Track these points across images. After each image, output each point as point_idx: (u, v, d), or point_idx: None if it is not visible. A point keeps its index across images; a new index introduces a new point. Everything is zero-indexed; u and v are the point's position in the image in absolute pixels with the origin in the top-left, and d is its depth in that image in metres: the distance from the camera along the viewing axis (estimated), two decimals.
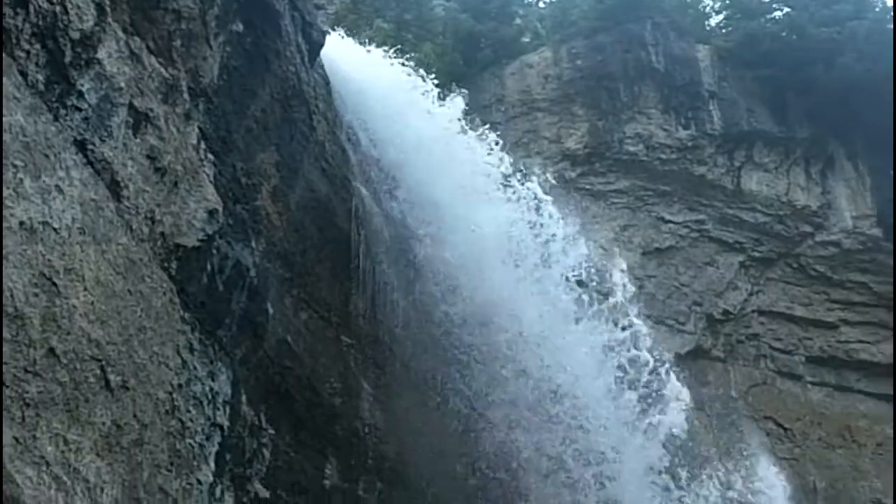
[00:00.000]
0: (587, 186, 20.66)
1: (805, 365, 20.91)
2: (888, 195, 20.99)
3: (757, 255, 21.25)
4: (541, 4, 29.21)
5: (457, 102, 17.37)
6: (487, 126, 17.08)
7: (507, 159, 17.10)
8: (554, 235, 17.02)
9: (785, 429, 20.01)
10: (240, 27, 10.79)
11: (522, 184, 17.21)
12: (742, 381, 20.30)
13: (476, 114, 17.73)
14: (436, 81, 17.17)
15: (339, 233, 12.94)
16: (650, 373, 16.86)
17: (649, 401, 16.67)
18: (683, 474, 16.42)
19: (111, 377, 7.91)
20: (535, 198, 17.16)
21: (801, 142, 21.42)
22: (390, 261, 13.99)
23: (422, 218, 15.04)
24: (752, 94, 21.59)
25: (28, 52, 7.35)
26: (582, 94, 21.18)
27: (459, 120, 17.11)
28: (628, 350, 16.88)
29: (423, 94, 16.75)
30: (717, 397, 18.51)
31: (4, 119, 6.95)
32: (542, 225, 17.07)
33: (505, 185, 16.85)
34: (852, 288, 21.28)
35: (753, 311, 21.02)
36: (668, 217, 20.91)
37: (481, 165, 16.77)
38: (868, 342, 21.03)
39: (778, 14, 24.80)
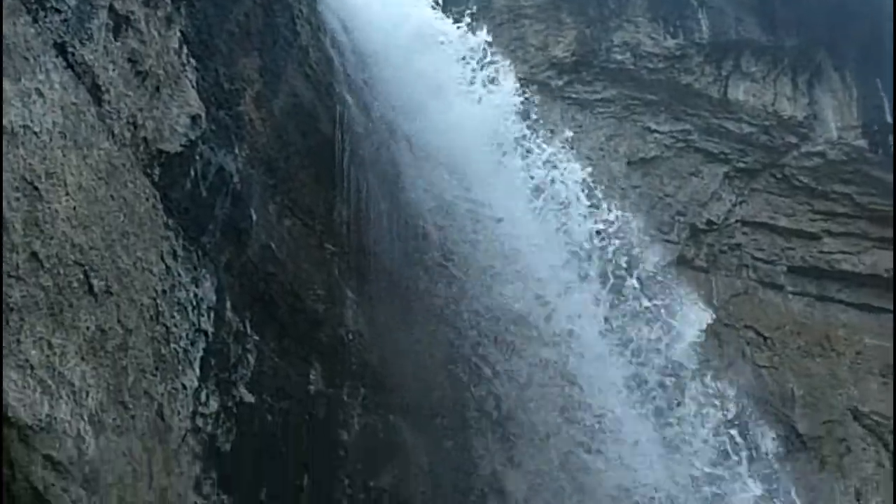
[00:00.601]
0: (573, 95, 20.49)
1: (786, 275, 21.04)
2: (874, 105, 20.97)
3: (742, 165, 21.21)
4: None
5: None
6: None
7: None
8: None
9: (765, 338, 20.21)
10: None
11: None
12: (724, 290, 20.42)
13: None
14: None
15: (323, 139, 12.88)
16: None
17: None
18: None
19: (94, 282, 7.93)
20: None
21: (789, 51, 21.26)
22: (375, 168, 13.94)
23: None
24: (740, 2, 21.36)
25: None
26: (569, 1, 20.89)
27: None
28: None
29: None
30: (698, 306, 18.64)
31: None
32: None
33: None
34: (836, 199, 21.32)
35: (737, 222, 21.06)
36: (653, 127, 20.80)
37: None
38: (850, 253, 21.14)
39: None
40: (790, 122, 20.94)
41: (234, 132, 10.73)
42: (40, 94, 7.46)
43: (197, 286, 9.75)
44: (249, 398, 10.59)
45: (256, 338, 10.93)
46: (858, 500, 19.10)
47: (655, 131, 20.81)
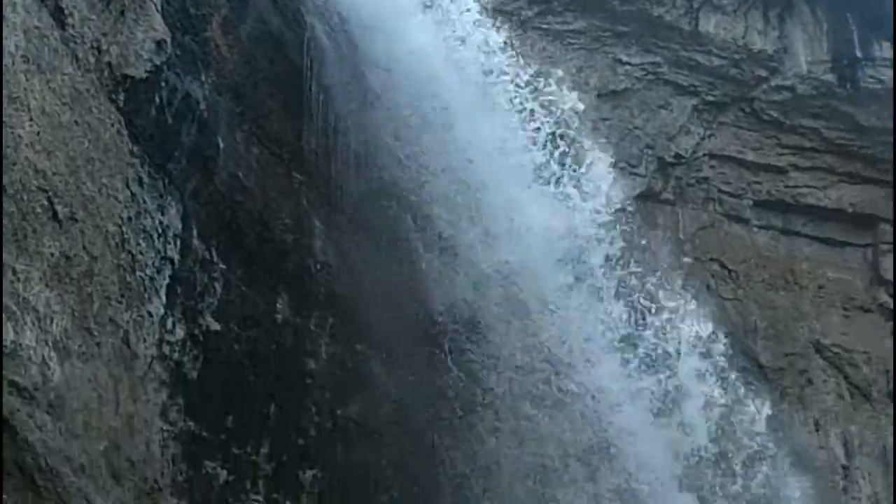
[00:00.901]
0: (544, 26, 20.32)
1: (752, 209, 21.11)
2: (844, 39, 20.96)
3: (711, 99, 21.17)
4: None
5: None
6: None
7: None
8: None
9: (729, 270, 20.33)
10: None
11: None
12: (690, 223, 20.48)
13: None
14: None
15: (292, 67, 12.75)
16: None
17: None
18: None
19: (59, 208, 7.89)
20: None
21: None
22: (344, 98, 13.82)
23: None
24: None
25: None
26: None
27: None
28: None
29: None
30: (665, 239, 18.75)
31: None
32: None
33: None
34: (804, 133, 21.36)
35: (705, 155, 21.07)
36: (624, 59, 20.68)
37: None
38: (815, 187, 21.24)
39: None
40: (760, 56, 20.91)
41: (200, 58, 10.62)
42: (2, 18, 7.35)
43: (163, 214, 9.71)
44: (216, 326, 10.60)
45: (223, 266, 10.91)
46: (818, 430, 19.42)
47: (626, 63, 20.72)
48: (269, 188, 12.08)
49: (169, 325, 9.70)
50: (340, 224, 13.41)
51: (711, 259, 20.32)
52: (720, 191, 20.94)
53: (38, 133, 7.69)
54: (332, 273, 13.10)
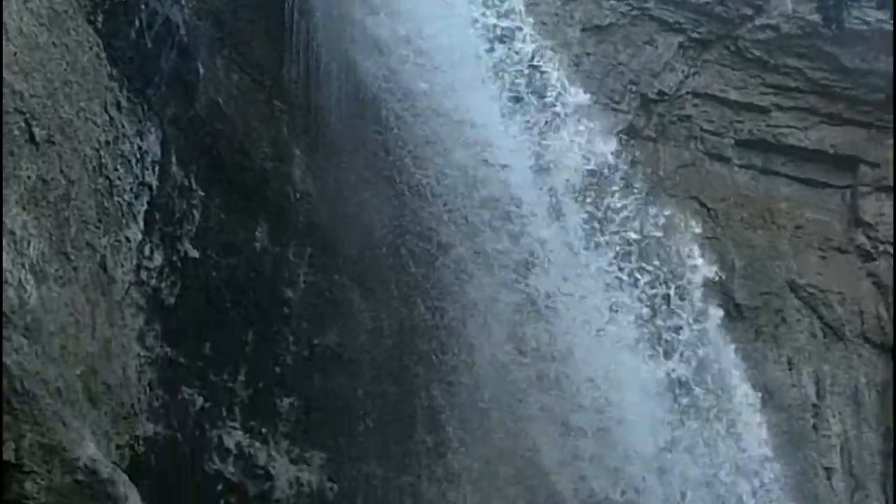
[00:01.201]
0: None
1: (734, 147, 21.10)
2: None
3: (696, 36, 21.05)
4: None
5: None
6: None
7: None
8: None
9: (709, 209, 20.37)
10: None
11: None
12: (671, 161, 20.44)
13: None
14: None
15: None
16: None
17: None
18: None
19: (36, 131, 7.83)
20: None
21: None
22: (327, 27, 13.67)
23: None
24: None
25: None
26: None
27: None
28: None
29: None
30: (645, 176, 18.74)
31: None
32: None
33: None
34: (787, 73, 21.30)
35: (688, 93, 21.00)
36: None
37: None
38: (797, 127, 21.22)
39: None
40: None
41: None
42: None
43: (141, 139, 9.66)
44: (194, 253, 10.61)
45: (202, 193, 10.88)
46: (790, 369, 19.64)
47: None
48: (249, 115, 12.01)
49: (147, 251, 9.70)
50: (321, 154, 13.35)
51: (691, 197, 20.33)
52: (702, 129, 20.90)
53: (16, 54, 7.60)
54: (312, 202, 13.07)
